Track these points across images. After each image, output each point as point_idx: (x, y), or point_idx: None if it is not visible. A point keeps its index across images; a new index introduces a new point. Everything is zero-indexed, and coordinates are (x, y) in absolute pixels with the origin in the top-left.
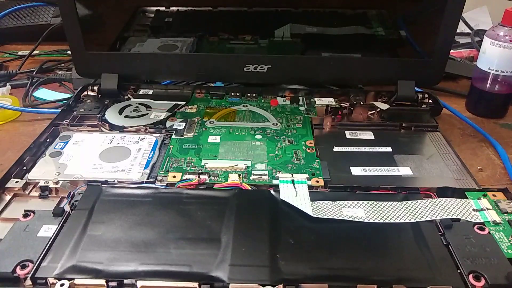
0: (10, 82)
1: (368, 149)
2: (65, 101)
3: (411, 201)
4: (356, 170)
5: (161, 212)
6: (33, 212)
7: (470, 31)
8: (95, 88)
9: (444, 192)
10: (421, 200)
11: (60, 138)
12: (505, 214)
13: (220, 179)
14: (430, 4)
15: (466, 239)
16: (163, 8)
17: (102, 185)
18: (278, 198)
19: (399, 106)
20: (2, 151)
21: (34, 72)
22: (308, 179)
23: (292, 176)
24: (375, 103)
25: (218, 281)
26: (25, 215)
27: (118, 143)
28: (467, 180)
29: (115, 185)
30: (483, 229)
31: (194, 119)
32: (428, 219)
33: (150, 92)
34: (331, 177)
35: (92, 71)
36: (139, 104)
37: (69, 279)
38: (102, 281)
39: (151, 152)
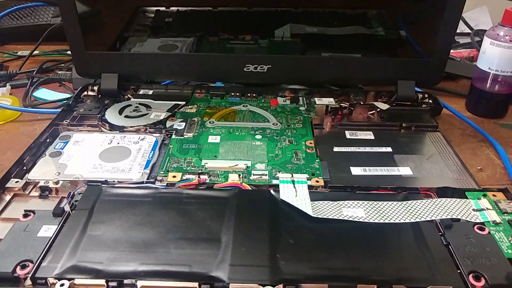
0: (10, 82)
1: (368, 149)
2: (65, 101)
3: (411, 201)
4: (356, 170)
5: (161, 212)
6: (33, 212)
7: (470, 31)
8: (95, 88)
9: (444, 192)
10: (421, 200)
11: (60, 138)
12: (505, 214)
13: (220, 179)
14: (430, 4)
15: (466, 239)
16: (163, 8)
17: (102, 185)
18: (278, 198)
19: (399, 106)
20: (2, 151)
21: (34, 72)
22: (308, 179)
23: (292, 176)
24: (375, 103)
25: (218, 281)
26: (25, 215)
27: (118, 143)
28: (467, 180)
29: (115, 185)
30: (483, 229)
31: (194, 119)
32: (428, 219)
33: (150, 92)
34: (331, 177)
35: (92, 71)
36: (139, 104)
37: (69, 279)
38: (102, 281)
39: (151, 152)
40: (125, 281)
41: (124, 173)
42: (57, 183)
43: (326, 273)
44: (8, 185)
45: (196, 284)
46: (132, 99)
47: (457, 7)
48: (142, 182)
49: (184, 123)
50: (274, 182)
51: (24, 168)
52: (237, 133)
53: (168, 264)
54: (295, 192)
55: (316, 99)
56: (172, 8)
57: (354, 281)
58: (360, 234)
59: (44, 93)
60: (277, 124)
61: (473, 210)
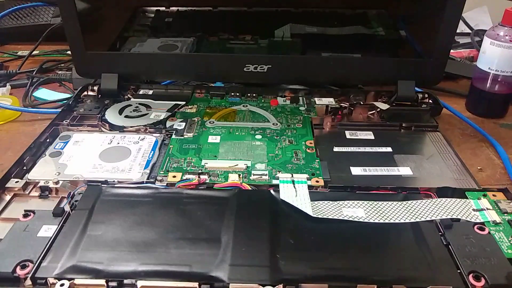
0: (10, 82)
1: (368, 149)
2: (65, 101)
3: (411, 201)
4: (356, 170)
5: (161, 212)
6: (33, 212)
7: (470, 31)
8: (95, 88)
9: (444, 192)
10: (421, 200)
11: (60, 138)
12: (505, 214)
13: (220, 179)
14: (430, 4)
15: (466, 239)
16: (163, 8)
17: (102, 185)
18: (278, 198)
19: (399, 106)
20: (2, 151)
21: (34, 72)
22: (308, 179)
23: (292, 176)
24: (375, 103)
25: (218, 281)
26: (25, 215)
27: (118, 143)
28: (467, 180)
29: (115, 185)
30: (483, 229)
31: (194, 119)
32: (428, 219)
33: (150, 92)
34: (331, 177)
35: (92, 71)
36: (139, 104)
37: (69, 279)
38: (102, 281)
39: (151, 152)
40: (125, 281)
41: (124, 173)
42: (57, 183)
43: (326, 273)
44: (8, 185)
45: (196, 284)
46: (132, 99)
47: (457, 7)
48: (142, 182)
49: (184, 123)
50: (274, 182)
51: (24, 168)
52: (237, 133)
53: (168, 264)
54: (295, 192)
55: (316, 99)
56: (172, 8)
57: (354, 281)
58: (360, 234)
59: (44, 93)
60: (277, 124)
61: (473, 210)
